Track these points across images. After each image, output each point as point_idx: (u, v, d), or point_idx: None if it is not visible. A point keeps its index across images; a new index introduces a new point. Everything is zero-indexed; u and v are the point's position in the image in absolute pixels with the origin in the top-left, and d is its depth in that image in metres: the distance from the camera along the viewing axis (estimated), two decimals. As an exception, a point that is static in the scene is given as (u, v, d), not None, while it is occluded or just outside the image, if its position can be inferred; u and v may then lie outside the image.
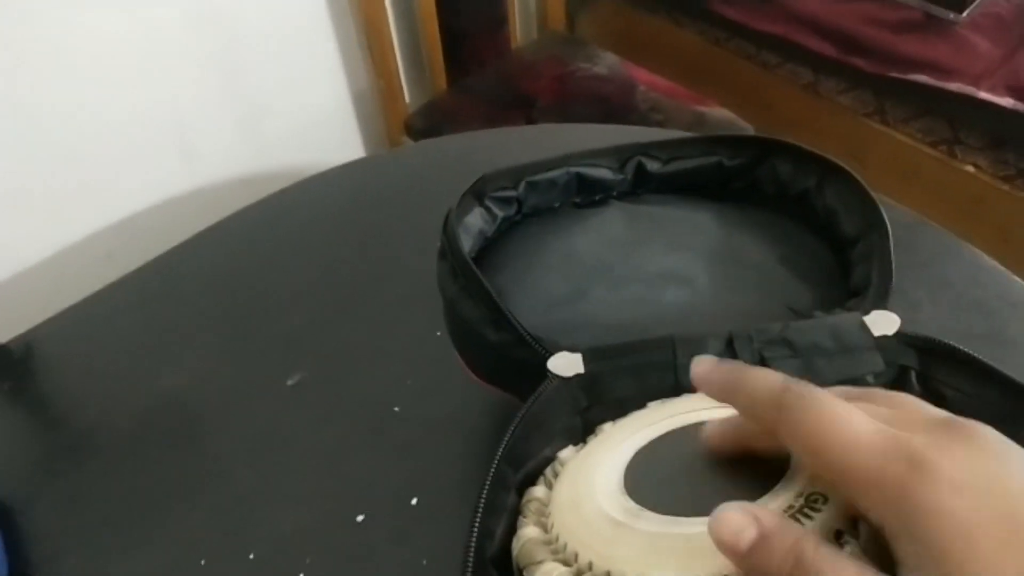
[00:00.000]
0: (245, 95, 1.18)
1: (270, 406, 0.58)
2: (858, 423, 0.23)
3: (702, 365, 0.29)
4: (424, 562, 0.48)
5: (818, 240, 0.50)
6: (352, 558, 0.49)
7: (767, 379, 0.26)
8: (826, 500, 0.25)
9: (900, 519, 0.21)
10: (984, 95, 1.15)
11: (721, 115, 1.26)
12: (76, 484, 0.55)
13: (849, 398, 0.25)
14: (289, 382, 0.59)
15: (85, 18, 0.95)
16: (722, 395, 0.28)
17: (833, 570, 0.22)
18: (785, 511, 0.25)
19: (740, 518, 0.23)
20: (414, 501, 0.51)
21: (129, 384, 0.61)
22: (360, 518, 0.51)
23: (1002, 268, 0.65)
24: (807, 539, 0.23)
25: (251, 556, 0.50)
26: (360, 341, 0.62)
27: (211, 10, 1.08)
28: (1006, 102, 1.14)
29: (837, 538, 0.24)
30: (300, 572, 0.48)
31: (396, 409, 0.57)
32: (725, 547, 0.23)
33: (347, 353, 0.61)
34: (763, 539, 0.23)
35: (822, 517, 0.24)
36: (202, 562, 0.50)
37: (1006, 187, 1.19)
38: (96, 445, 0.57)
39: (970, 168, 1.22)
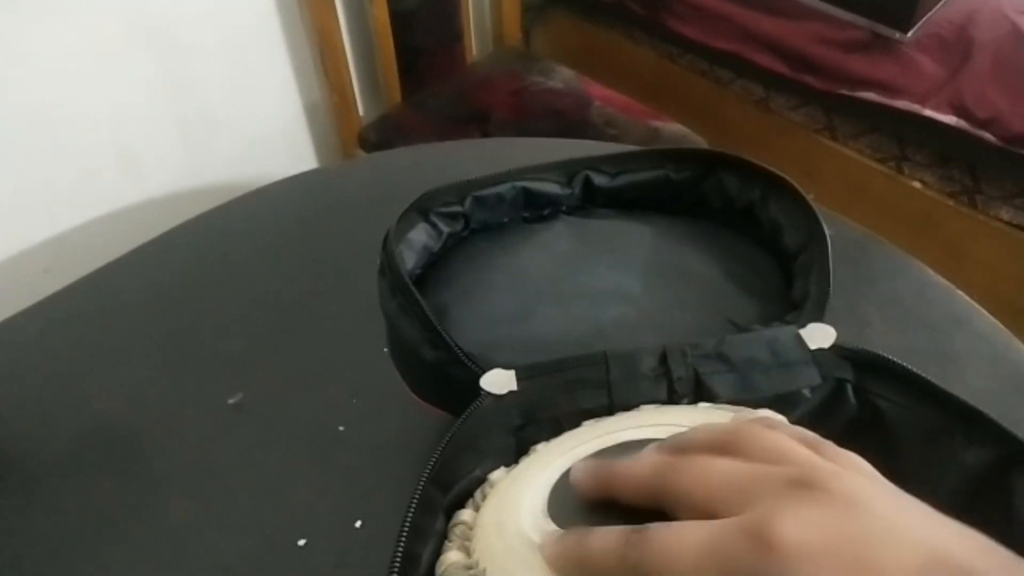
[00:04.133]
0: (192, 107, 1.15)
1: (209, 428, 0.56)
2: (693, 538, 0.23)
3: (579, 480, 0.29)
4: None
5: (763, 253, 0.49)
6: (293, 583, 0.47)
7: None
8: None
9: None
10: (929, 113, 1.18)
11: (675, 130, 1.27)
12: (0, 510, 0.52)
13: (719, 443, 0.26)
14: (230, 401, 0.57)
15: (22, 28, 0.92)
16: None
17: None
18: None
19: None
20: (358, 524, 0.50)
21: (59, 406, 0.58)
22: (302, 542, 0.49)
23: (948, 284, 0.66)
24: None
25: (186, 583, 0.48)
26: (305, 359, 0.60)
27: (156, 21, 1.06)
28: (950, 120, 1.16)
29: None
30: (238, 600, 0.47)
31: (341, 429, 0.55)
32: None
33: (291, 372, 0.59)
34: None
35: None
36: (133, 590, 0.47)
37: (951, 203, 1.22)
38: (21, 472, 0.55)
39: (917, 184, 1.25)
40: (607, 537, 0.25)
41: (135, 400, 0.58)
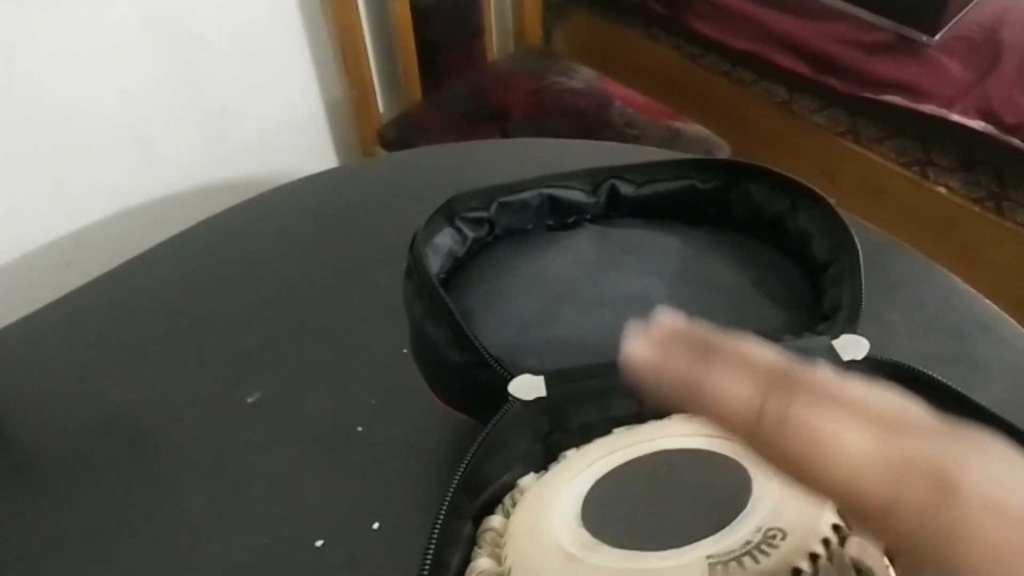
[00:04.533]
0: (211, 102, 1.16)
1: (227, 425, 0.56)
2: (857, 443, 0.20)
3: (640, 357, 0.22)
4: None
5: (791, 264, 0.49)
6: (309, 585, 0.47)
7: (735, 392, 0.21)
8: (784, 536, 0.24)
9: (923, 545, 0.19)
10: (956, 117, 1.16)
11: (696, 131, 1.26)
12: (15, 505, 0.53)
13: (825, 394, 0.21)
14: (249, 400, 0.57)
15: (42, 21, 0.93)
16: (676, 401, 0.22)
17: None
18: (743, 546, 0.24)
19: None
20: (376, 525, 0.50)
21: (78, 400, 0.59)
22: (319, 543, 0.49)
23: (973, 291, 0.65)
24: None
25: (201, 582, 0.48)
26: (324, 358, 0.60)
27: (175, 16, 1.06)
28: (977, 124, 1.15)
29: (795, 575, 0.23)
30: (255, 601, 0.47)
31: (359, 429, 0.55)
32: None
33: (310, 371, 0.59)
34: None
35: (779, 553, 0.24)
36: (147, 586, 0.48)
37: (977, 209, 1.20)
38: (38, 465, 0.55)
39: (942, 190, 1.23)
40: (737, 387, 0.21)
41: (153, 396, 0.58)
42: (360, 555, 0.48)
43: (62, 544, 0.50)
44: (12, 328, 0.65)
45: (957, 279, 0.66)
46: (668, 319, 0.23)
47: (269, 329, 0.63)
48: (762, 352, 0.22)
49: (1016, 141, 1.12)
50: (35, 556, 0.50)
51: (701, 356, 0.22)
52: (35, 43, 0.93)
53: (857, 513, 0.20)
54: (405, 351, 0.58)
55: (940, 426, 0.21)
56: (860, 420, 0.20)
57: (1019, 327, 0.62)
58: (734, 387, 0.21)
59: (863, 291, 0.41)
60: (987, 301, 0.64)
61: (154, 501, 0.52)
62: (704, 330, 0.23)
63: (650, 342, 0.22)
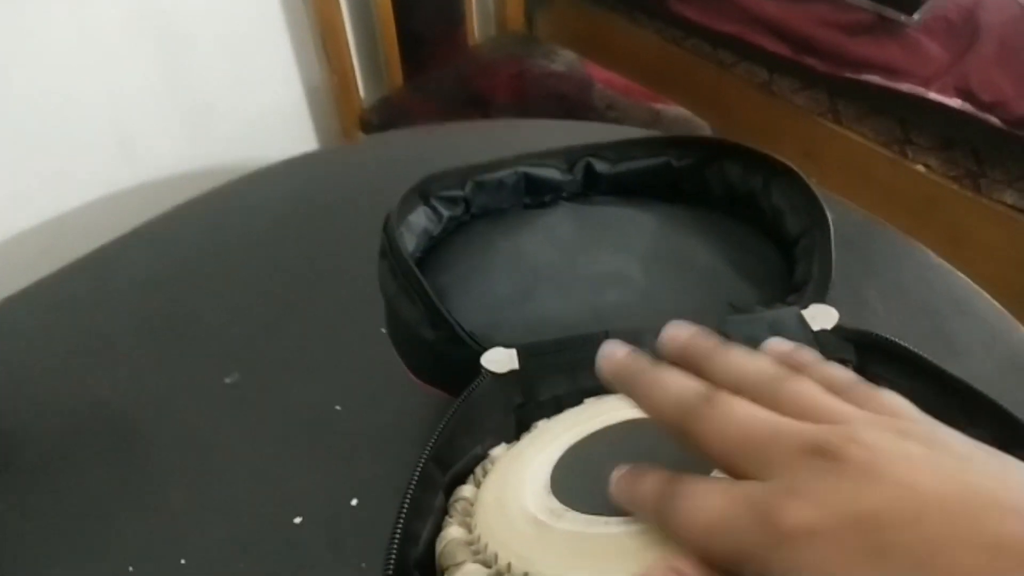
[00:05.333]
0: (191, 88, 1.15)
1: (205, 407, 0.56)
2: (711, 503, 0.23)
3: (609, 360, 0.28)
4: (363, 565, 0.47)
5: (765, 240, 0.49)
6: (289, 562, 0.47)
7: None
8: None
9: (768, 558, 0.21)
10: (934, 96, 1.17)
11: (677, 113, 1.26)
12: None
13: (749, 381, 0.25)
14: (227, 380, 0.57)
15: (21, 13, 0.92)
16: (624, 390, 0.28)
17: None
18: None
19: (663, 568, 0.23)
20: (354, 502, 0.50)
21: (56, 387, 0.59)
22: (298, 520, 0.49)
23: (950, 268, 0.65)
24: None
25: (182, 562, 0.48)
26: (302, 340, 0.60)
27: (157, 5, 1.05)
28: (955, 103, 1.16)
29: None
30: (234, 577, 0.47)
31: (337, 408, 0.55)
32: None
33: (288, 352, 0.59)
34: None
35: None
36: (130, 569, 0.47)
37: (955, 187, 1.21)
38: (17, 452, 0.55)
39: (920, 168, 1.24)
40: (652, 481, 0.25)
41: (131, 382, 0.58)
42: (339, 532, 0.49)
43: (44, 533, 0.50)
44: (-11, 315, 0.65)
45: (934, 256, 0.67)
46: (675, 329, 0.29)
47: (247, 311, 0.63)
48: (665, 392, 0.26)
49: (993, 119, 1.12)
50: (15, 543, 0.50)
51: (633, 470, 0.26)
52: (16, 34, 0.92)
53: (735, 571, 0.22)
54: (383, 331, 0.58)
55: (808, 446, 0.22)
56: (723, 481, 0.24)
57: (995, 303, 0.62)
58: (645, 484, 0.25)
59: (833, 262, 0.41)
60: (964, 278, 0.65)
61: (134, 483, 0.52)
62: (703, 342, 0.28)
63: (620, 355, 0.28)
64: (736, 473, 0.23)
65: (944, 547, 0.19)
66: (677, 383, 0.26)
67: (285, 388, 0.57)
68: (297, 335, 0.61)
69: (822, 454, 0.22)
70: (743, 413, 0.24)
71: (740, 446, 0.23)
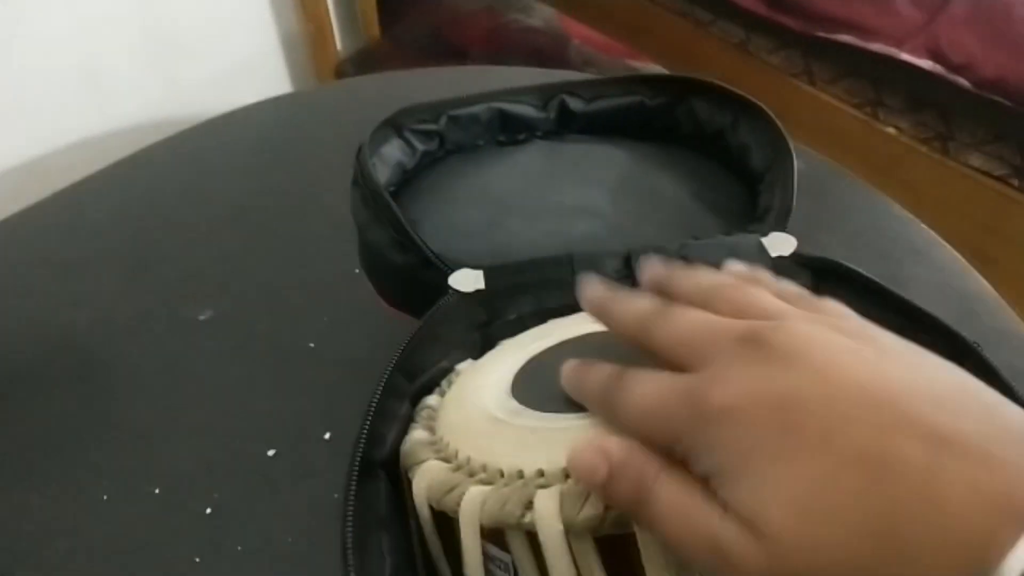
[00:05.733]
0: (161, 31, 1.12)
1: (178, 342, 0.56)
2: (649, 389, 0.24)
3: (586, 293, 0.30)
4: (336, 495, 0.47)
5: (731, 176, 0.50)
6: (262, 492, 0.48)
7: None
8: None
9: (698, 462, 0.22)
10: (905, 56, 1.18)
11: (652, 70, 1.26)
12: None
13: (702, 294, 0.27)
14: (200, 317, 0.58)
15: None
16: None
17: (667, 498, 0.23)
18: None
19: (591, 456, 0.24)
20: (327, 435, 0.51)
21: (26, 318, 0.59)
22: (271, 452, 0.50)
23: (911, 218, 0.67)
24: (648, 467, 0.23)
25: (156, 491, 0.48)
26: (276, 277, 0.61)
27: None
28: (925, 64, 1.17)
29: None
30: (208, 507, 0.48)
31: (311, 345, 0.56)
32: (585, 484, 0.24)
33: (261, 289, 0.60)
34: (612, 473, 0.24)
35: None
36: (104, 497, 0.48)
37: (924, 149, 1.23)
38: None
39: (891, 130, 1.25)
40: (600, 372, 0.27)
41: (102, 315, 0.58)
42: (311, 464, 0.49)
43: (16, 459, 0.51)
44: (-46, 250, 0.64)
45: (896, 205, 0.68)
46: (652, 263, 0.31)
47: (220, 249, 0.63)
48: (627, 311, 0.29)
49: (962, 81, 1.14)
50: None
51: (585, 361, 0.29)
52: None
53: (665, 450, 0.24)
54: (357, 271, 0.58)
55: (722, 338, 0.24)
56: (663, 373, 0.25)
57: (954, 252, 0.64)
58: (596, 373, 0.28)
59: (794, 194, 0.42)
60: (925, 228, 0.66)
61: (106, 416, 0.52)
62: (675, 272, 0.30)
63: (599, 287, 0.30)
64: (682, 370, 0.25)
65: (851, 427, 0.20)
66: (639, 302, 0.28)
67: (258, 325, 0.57)
68: (271, 271, 0.61)
69: (751, 342, 0.23)
70: (690, 316, 0.26)
71: (684, 344, 0.25)
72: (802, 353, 0.22)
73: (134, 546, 0.46)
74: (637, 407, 0.24)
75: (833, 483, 0.20)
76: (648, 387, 0.25)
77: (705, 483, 0.22)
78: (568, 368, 0.29)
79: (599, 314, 0.30)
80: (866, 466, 0.20)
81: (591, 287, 0.30)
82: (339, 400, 0.52)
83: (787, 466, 0.20)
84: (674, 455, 0.23)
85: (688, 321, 0.26)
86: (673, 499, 0.22)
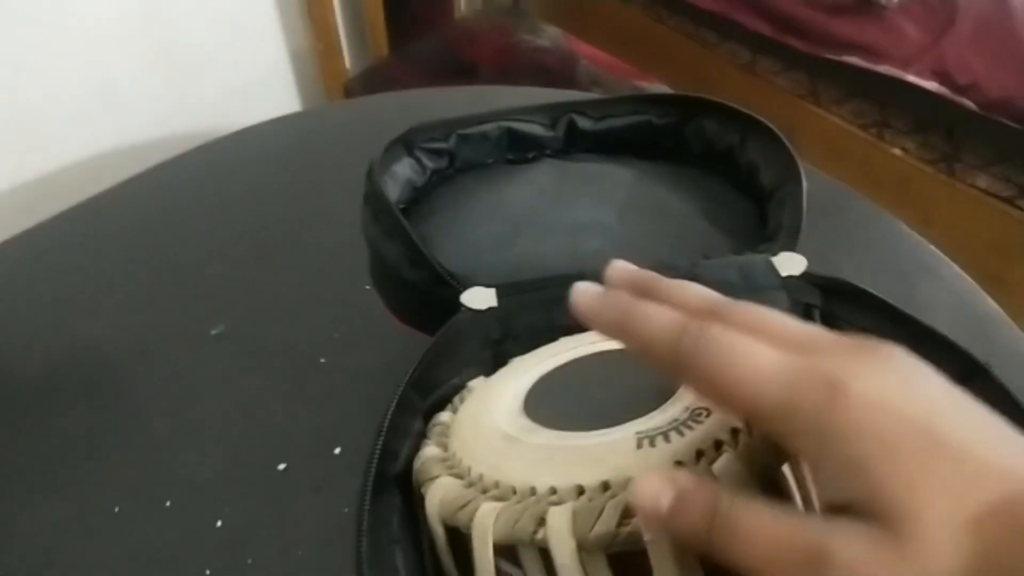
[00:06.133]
0: (178, 51, 1.14)
1: (191, 355, 0.57)
2: (763, 357, 0.23)
3: (585, 296, 0.27)
4: (345, 510, 0.47)
5: (740, 195, 0.51)
6: (272, 506, 0.48)
7: (661, 320, 0.25)
8: (709, 414, 0.26)
9: (820, 444, 0.21)
10: (911, 78, 1.19)
11: (660, 90, 1.27)
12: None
13: (737, 318, 0.25)
14: (213, 331, 0.58)
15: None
16: (612, 332, 0.26)
17: (749, 518, 0.22)
18: (670, 423, 0.26)
19: (656, 484, 0.23)
20: (337, 450, 0.51)
21: (42, 331, 0.59)
22: (282, 466, 0.50)
23: (919, 237, 0.67)
24: (720, 496, 0.22)
25: (168, 503, 0.49)
26: (287, 292, 0.61)
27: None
28: (931, 85, 1.18)
29: (717, 448, 0.25)
30: (219, 520, 0.48)
31: (322, 360, 0.56)
32: (647, 513, 0.23)
33: (273, 304, 0.60)
34: (679, 500, 0.23)
35: (703, 428, 0.25)
36: (116, 509, 0.48)
37: (930, 170, 1.23)
38: (5, 394, 0.55)
39: (897, 151, 1.26)
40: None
41: (117, 328, 0.59)
42: (322, 478, 0.49)
43: (30, 470, 0.51)
44: (-28, 262, 0.65)
45: (903, 225, 0.68)
46: (620, 265, 0.28)
47: (233, 264, 0.63)
48: (695, 290, 0.27)
49: (967, 102, 1.15)
50: (2, 482, 0.50)
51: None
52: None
53: (762, 419, 0.22)
54: (368, 287, 0.59)
55: (840, 342, 0.23)
56: (767, 340, 0.23)
57: (962, 272, 0.64)
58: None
59: (804, 213, 0.42)
60: (933, 248, 0.66)
61: (120, 429, 0.53)
62: (648, 274, 0.28)
63: (595, 291, 0.27)
64: None
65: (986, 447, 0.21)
66: (668, 315, 0.25)
67: (270, 340, 0.58)
68: (283, 287, 0.61)
69: (868, 349, 0.22)
70: (754, 346, 0.23)
71: (767, 379, 0.23)
72: (921, 368, 0.22)
73: (145, 557, 0.46)
74: (743, 369, 0.22)
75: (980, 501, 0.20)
76: (757, 351, 0.22)
77: (789, 499, 0.22)
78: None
79: (613, 330, 0.26)
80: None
81: (588, 292, 0.27)
82: (350, 415, 0.53)
83: (942, 474, 0.20)
84: (771, 429, 0.22)
85: (753, 350, 0.23)
86: (756, 518, 0.22)
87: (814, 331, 0.24)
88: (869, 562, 0.20)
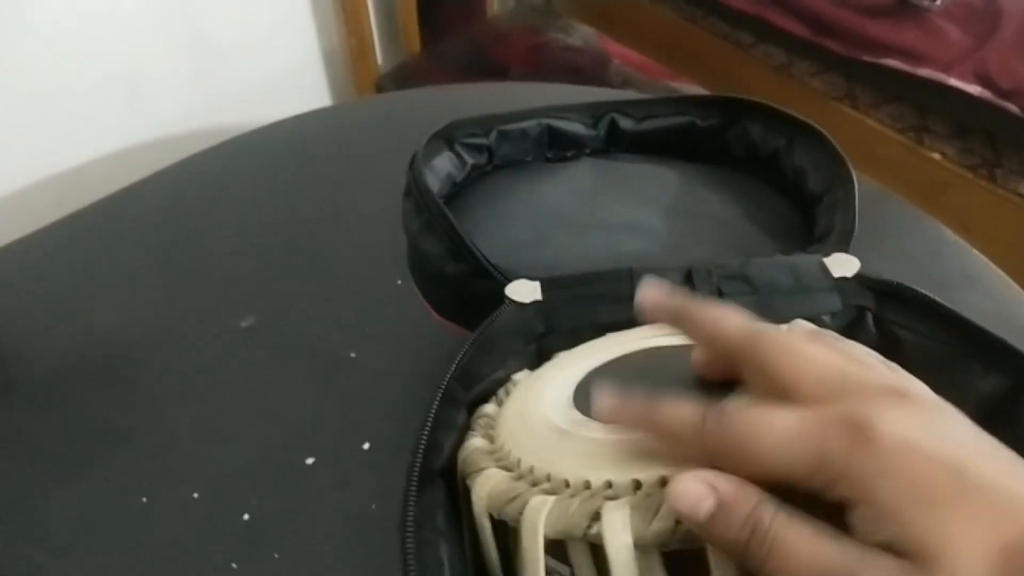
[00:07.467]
0: (208, 46, 1.14)
1: (219, 348, 0.56)
2: (785, 421, 0.23)
3: (650, 292, 0.29)
4: (373, 506, 0.47)
5: (785, 200, 0.50)
6: (300, 500, 0.48)
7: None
8: None
9: (852, 488, 0.22)
10: (953, 82, 1.16)
11: (695, 91, 1.25)
12: (8, 422, 0.53)
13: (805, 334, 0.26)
14: (242, 324, 0.58)
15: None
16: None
17: (789, 536, 0.22)
18: None
19: (697, 488, 0.23)
20: (366, 446, 0.50)
21: (72, 323, 0.59)
22: (310, 461, 0.50)
23: (962, 242, 0.65)
24: (764, 506, 0.23)
25: (195, 496, 0.48)
26: (319, 287, 0.61)
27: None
28: (974, 90, 1.15)
29: None
30: (246, 513, 0.47)
31: (352, 355, 0.56)
32: (683, 515, 0.23)
33: (304, 298, 0.60)
34: (721, 509, 0.23)
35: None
36: (144, 499, 0.48)
37: (970, 175, 1.21)
38: (32, 384, 0.55)
39: (936, 156, 1.24)
40: (681, 410, 0.25)
41: (145, 319, 0.59)
42: (350, 474, 0.49)
43: (52, 458, 0.51)
44: (4, 251, 0.65)
45: (947, 230, 0.67)
46: (651, 290, 0.30)
47: (264, 257, 0.63)
48: (731, 320, 0.27)
49: (1012, 107, 1.12)
50: (27, 469, 0.50)
51: (652, 399, 0.26)
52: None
53: (799, 481, 0.23)
54: (399, 282, 0.58)
55: (866, 383, 0.24)
56: (790, 390, 0.24)
57: (1007, 278, 0.63)
58: (680, 412, 0.25)
59: (856, 216, 0.41)
60: (977, 253, 0.65)
61: (148, 419, 0.53)
62: (679, 302, 0.29)
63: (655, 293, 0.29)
64: (796, 402, 0.24)
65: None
66: (733, 316, 0.28)
67: (300, 334, 0.57)
68: (314, 281, 0.61)
69: (904, 394, 0.23)
70: (819, 350, 0.25)
71: (817, 375, 0.24)
72: (954, 414, 0.23)
73: (172, 549, 0.46)
74: (769, 440, 0.23)
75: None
76: (777, 419, 0.23)
77: (828, 521, 0.22)
78: (620, 403, 0.27)
79: (679, 321, 0.29)
80: None
81: (657, 292, 0.29)
82: (379, 410, 0.52)
83: (972, 511, 0.20)
84: (810, 486, 0.22)
85: (816, 352, 0.25)
86: (795, 536, 0.22)
87: (843, 367, 0.25)
88: None
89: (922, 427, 0.22)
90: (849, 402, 0.23)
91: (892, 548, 0.21)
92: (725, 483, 0.23)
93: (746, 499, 0.23)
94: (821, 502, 0.22)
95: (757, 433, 0.23)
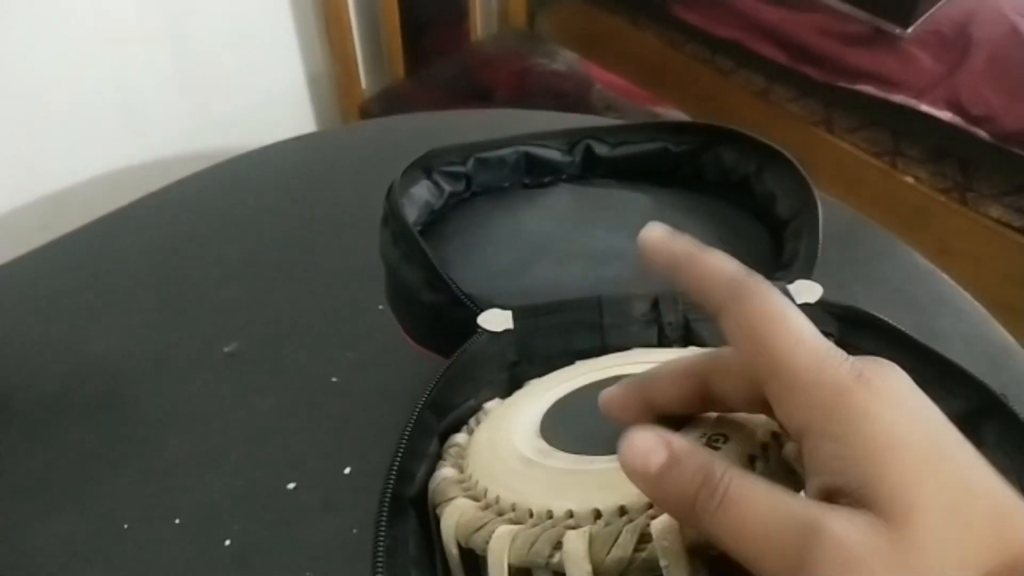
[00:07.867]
0: (196, 71, 1.16)
1: (203, 373, 0.57)
2: (805, 326, 0.23)
3: (655, 232, 0.28)
4: (354, 531, 0.48)
5: (756, 224, 0.51)
6: (282, 525, 0.48)
7: (723, 265, 0.26)
8: (727, 439, 0.26)
9: (829, 422, 0.21)
10: (926, 108, 1.19)
11: (675, 116, 1.28)
12: (-5, 447, 0.53)
13: None
14: (225, 349, 0.58)
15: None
16: (670, 268, 0.28)
17: (744, 485, 0.22)
18: None
19: (650, 439, 0.23)
20: (347, 470, 0.51)
21: (55, 347, 0.59)
22: (291, 486, 0.50)
23: (934, 267, 0.67)
24: (716, 460, 0.22)
25: (177, 521, 0.48)
26: (302, 312, 0.61)
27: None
28: (945, 116, 1.18)
29: None
30: (227, 539, 0.48)
31: (334, 380, 0.56)
32: (634, 469, 0.23)
33: (287, 324, 0.60)
34: (673, 460, 0.22)
35: (720, 455, 0.25)
36: (125, 526, 0.48)
37: (943, 199, 1.23)
38: (14, 408, 0.55)
39: (910, 180, 1.26)
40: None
41: (131, 344, 0.59)
42: (332, 498, 0.49)
43: (40, 485, 0.51)
44: (-10, 275, 0.65)
45: (920, 257, 0.68)
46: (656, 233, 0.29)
47: (248, 283, 0.64)
48: (722, 265, 0.27)
49: (981, 133, 1.15)
50: (11, 496, 0.51)
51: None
52: (22, 11, 0.93)
53: (785, 383, 0.23)
54: (381, 307, 0.59)
55: (862, 356, 0.23)
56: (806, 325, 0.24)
57: (977, 304, 0.64)
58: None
59: (820, 242, 0.42)
60: (948, 279, 0.66)
61: (130, 444, 0.53)
62: (683, 247, 0.28)
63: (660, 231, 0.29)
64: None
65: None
66: (728, 262, 0.26)
67: (282, 359, 0.58)
68: (297, 307, 0.62)
69: (883, 363, 0.23)
70: (793, 308, 0.25)
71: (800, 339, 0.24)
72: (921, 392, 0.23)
73: (154, 575, 0.46)
74: (789, 323, 0.23)
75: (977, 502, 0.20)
76: (802, 320, 0.23)
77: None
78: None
79: (672, 267, 0.27)
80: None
81: (659, 234, 0.28)
82: (360, 435, 0.53)
83: (944, 476, 0.20)
84: (785, 399, 0.23)
85: (796, 312, 0.24)
86: (750, 490, 0.21)
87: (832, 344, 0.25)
88: (861, 543, 0.20)
89: (913, 393, 0.22)
90: (849, 361, 0.23)
91: (848, 492, 0.21)
92: (679, 441, 0.23)
93: (699, 454, 0.23)
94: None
95: (780, 323, 0.23)
